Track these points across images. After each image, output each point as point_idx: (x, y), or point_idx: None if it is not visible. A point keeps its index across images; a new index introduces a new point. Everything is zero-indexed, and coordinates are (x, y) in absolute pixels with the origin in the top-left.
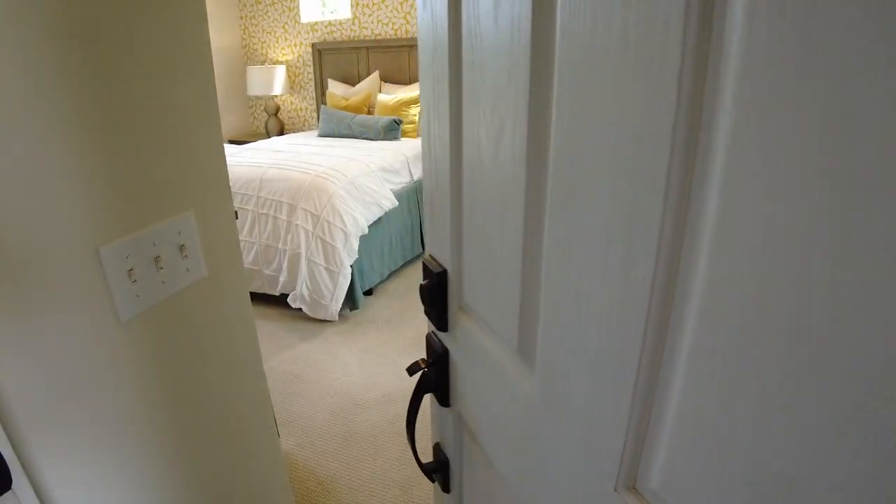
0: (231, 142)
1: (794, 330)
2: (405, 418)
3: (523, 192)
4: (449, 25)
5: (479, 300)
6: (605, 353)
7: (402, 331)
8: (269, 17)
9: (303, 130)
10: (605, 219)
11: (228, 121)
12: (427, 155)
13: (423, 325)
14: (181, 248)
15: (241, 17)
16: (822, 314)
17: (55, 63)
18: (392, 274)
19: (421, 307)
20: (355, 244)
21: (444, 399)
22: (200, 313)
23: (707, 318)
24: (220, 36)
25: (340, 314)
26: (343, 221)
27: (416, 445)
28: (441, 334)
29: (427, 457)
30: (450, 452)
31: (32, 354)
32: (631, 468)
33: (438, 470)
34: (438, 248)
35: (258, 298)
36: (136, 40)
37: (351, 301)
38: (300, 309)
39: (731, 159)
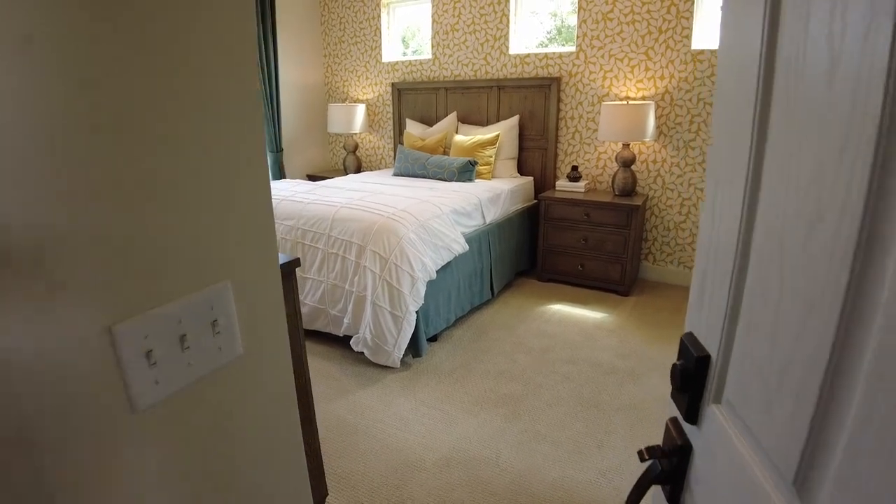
0: (309, 177)
1: None
2: (467, 488)
3: (841, 297)
4: (760, 65)
5: (747, 404)
6: None
7: (466, 385)
8: (351, 57)
9: (379, 168)
10: None
11: (308, 156)
12: (708, 222)
13: (488, 381)
14: (213, 324)
15: (325, 56)
16: None
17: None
18: (459, 320)
19: (486, 360)
20: (422, 290)
21: (674, 501)
22: (234, 397)
23: None
24: (305, 73)
25: (402, 361)
26: (411, 266)
27: None
28: (686, 426)
29: None
30: None
31: None
32: None
33: None
34: (704, 331)
35: (321, 337)
36: (175, 81)
37: (414, 348)
38: (362, 353)
39: None
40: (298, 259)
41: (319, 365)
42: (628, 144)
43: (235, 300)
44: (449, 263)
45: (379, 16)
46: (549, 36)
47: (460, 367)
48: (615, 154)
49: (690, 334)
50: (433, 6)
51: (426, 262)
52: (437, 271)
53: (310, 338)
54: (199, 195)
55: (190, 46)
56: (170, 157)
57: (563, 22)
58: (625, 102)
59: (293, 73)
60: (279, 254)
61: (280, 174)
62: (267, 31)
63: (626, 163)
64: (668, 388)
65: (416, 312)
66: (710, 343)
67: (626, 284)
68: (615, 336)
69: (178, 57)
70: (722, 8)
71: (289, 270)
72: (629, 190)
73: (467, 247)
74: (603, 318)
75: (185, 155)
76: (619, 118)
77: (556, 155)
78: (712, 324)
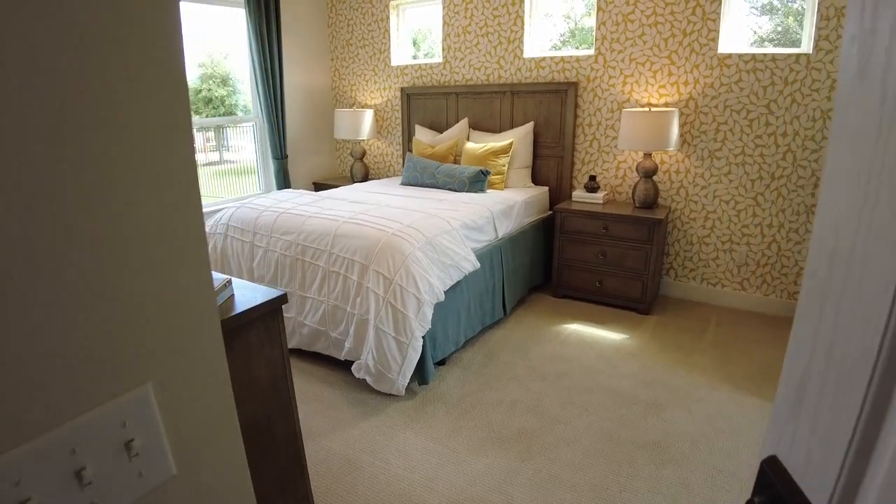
0: (315, 185)
1: None
2: None
3: None
4: None
5: None
6: None
7: (475, 417)
8: (359, 60)
9: (388, 176)
10: None
11: (314, 163)
12: (830, 303)
13: (499, 413)
14: (128, 445)
15: (332, 59)
16: None
17: None
18: (469, 341)
19: (498, 387)
20: (429, 313)
21: None
22: None
23: None
24: (311, 77)
25: (408, 388)
26: (417, 287)
27: None
28: None
29: None
30: None
31: None
32: None
33: None
34: (801, 460)
35: (322, 360)
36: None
37: (420, 374)
38: (365, 380)
39: None
40: (285, 295)
41: (319, 391)
42: (650, 154)
43: (162, 407)
44: (458, 282)
45: (388, 17)
46: (562, 39)
47: (470, 395)
48: (636, 164)
49: (775, 460)
50: (444, 7)
51: (433, 282)
52: (446, 292)
53: (310, 360)
54: (106, 269)
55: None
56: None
57: (576, 24)
58: (646, 109)
59: (299, 76)
60: (264, 287)
61: (284, 182)
62: (271, 32)
63: (648, 173)
64: (694, 423)
65: (423, 337)
66: (813, 482)
67: (646, 302)
68: (636, 360)
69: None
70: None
71: (275, 307)
72: (651, 202)
73: (478, 264)
74: (622, 339)
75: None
76: (640, 126)
77: (572, 164)
78: (819, 451)
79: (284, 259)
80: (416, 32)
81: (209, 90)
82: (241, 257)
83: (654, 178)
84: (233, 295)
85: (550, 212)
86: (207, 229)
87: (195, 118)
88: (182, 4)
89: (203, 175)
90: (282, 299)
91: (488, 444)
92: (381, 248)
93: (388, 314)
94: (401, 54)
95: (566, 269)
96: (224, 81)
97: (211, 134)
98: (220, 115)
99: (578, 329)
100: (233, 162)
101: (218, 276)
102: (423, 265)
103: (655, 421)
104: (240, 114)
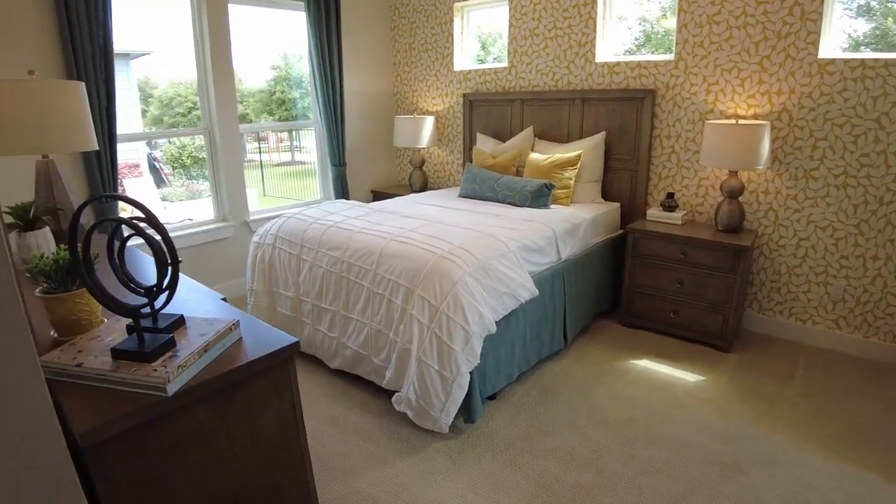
0: (373, 193)
1: None
2: None
3: None
4: None
5: None
6: None
7: (525, 467)
8: (421, 65)
9: (447, 186)
10: None
11: (373, 171)
12: None
13: (553, 463)
14: None
15: (394, 64)
16: None
17: None
18: (522, 375)
19: (553, 431)
20: (478, 346)
21: None
22: None
23: None
24: (372, 82)
25: (453, 424)
26: (465, 318)
27: None
28: None
29: None
30: None
31: None
32: None
33: None
34: None
35: (365, 383)
36: None
37: (467, 410)
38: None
39: None
40: (298, 343)
41: (357, 419)
42: (736, 172)
43: None
44: (513, 310)
45: (452, 20)
46: (636, 43)
47: (520, 439)
48: (720, 182)
49: None
50: (510, 9)
51: (484, 312)
52: (499, 322)
53: (352, 382)
54: None
55: None
56: None
57: (652, 28)
58: (733, 122)
59: (359, 82)
60: (278, 330)
61: (342, 190)
62: (331, 36)
63: (733, 193)
64: (776, 492)
65: (471, 373)
66: None
67: (726, 339)
68: (713, 408)
69: None
70: None
71: (286, 357)
72: (735, 226)
73: (536, 291)
74: (697, 381)
75: None
76: (725, 140)
77: (647, 179)
78: None
79: (329, 275)
80: (486, 36)
81: (282, 92)
82: (288, 270)
83: (740, 198)
84: (241, 339)
85: (621, 231)
86: (257, 238)
87: (263, 120)
88: (249, 8)
89: (274, 175)
90: (294, 348)
91: (538, 503)
92: (429, 272)
93: (433, 346)
94: (464, 59)
95: (637, 296)
96: (298, 84)
97: (284, 135)
98: (292, 118)
99: (648, 366)
100: (303, 163)
101: (223, 318)
102: (473, 293)
103: (733, 487)
104: (311, 117)
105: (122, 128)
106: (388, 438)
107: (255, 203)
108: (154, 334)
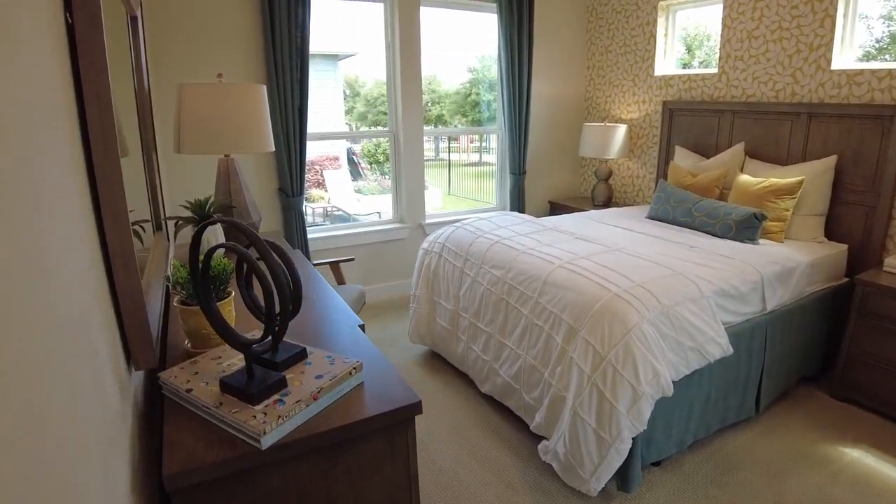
0: (551, 204)
1: None
2: None
3: None
4: None
5: None
6: None
7: None
8: (618, 69)
9: (634, 203)
10: None
11: (554, 181)
12: None
13: None
14: None
15: (588, 68)
16: None
17: None
18: (697, 443)
19: None
20: (647, 411)
21: None
22: None
23: None
24: (562, 87)
25: (604, 488)
26: (636, 374)
27: None
28: None
29: None
30: None
31: None
32: None
33: None
34: None
35: (514, 419)
36: None
37: (622, 477)
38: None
39: None
40: (420, 403)
41: (499, 456)
42: None
43: None
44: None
45: (655, 21)
46: (877, 46)
47: None
48: None
49: None
50: (725, 7)
51: (660, 370)
52: (678, 382)
53: (502, 413)
54: None
55: None
56: None
57: None
58: None
59: (548, 86)
60: (404, 380)
61: (519, 199)
62: (522, 39)
63: None
64: None
65: (633, 438)
66: None
67: None
68: None
69: None
70: None
71: (407, 417)
72: None
73: (730, 350)
74: None
75: None
76: None
77: (889, 218)
78: None
79: (490, 295)
80: (692, 38)
81: (477, 94)
82: (451, 282)
83: None
84: (362, 384)
85: (846, 279)
86: (426, 245)
87: (457, 121)
88: (443, 11)
89: (461, 174)
90: (415, 408)
91: None
92: (598, 312)
93: (593, 399)
94: (666, 63)
95: (859, 365)
96: (491, 87)
97: (476, 136)
98: (484, 120)
99: (862, 459)
100: (489, 164)
101: (347, 359)
102: (650, 344)
103: None
104: (497, 120)
105: (325, 124)
106: (527, 488)
107: (439, 202)
108: (267, 369)
